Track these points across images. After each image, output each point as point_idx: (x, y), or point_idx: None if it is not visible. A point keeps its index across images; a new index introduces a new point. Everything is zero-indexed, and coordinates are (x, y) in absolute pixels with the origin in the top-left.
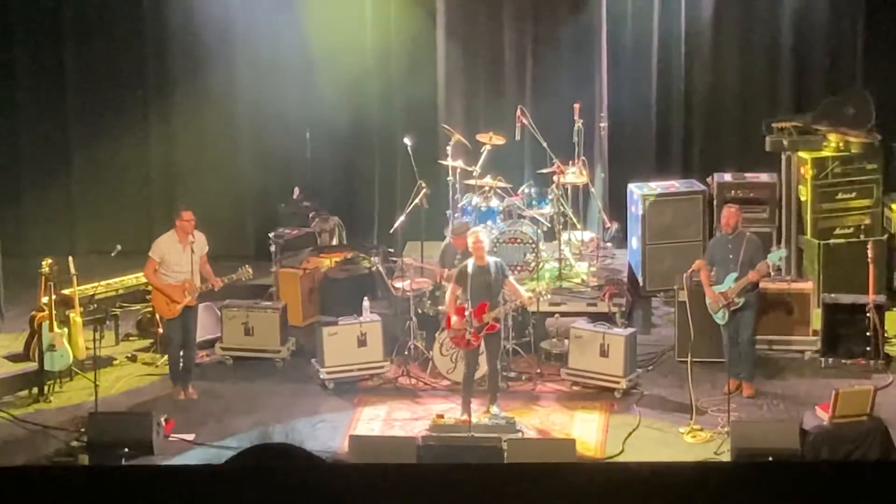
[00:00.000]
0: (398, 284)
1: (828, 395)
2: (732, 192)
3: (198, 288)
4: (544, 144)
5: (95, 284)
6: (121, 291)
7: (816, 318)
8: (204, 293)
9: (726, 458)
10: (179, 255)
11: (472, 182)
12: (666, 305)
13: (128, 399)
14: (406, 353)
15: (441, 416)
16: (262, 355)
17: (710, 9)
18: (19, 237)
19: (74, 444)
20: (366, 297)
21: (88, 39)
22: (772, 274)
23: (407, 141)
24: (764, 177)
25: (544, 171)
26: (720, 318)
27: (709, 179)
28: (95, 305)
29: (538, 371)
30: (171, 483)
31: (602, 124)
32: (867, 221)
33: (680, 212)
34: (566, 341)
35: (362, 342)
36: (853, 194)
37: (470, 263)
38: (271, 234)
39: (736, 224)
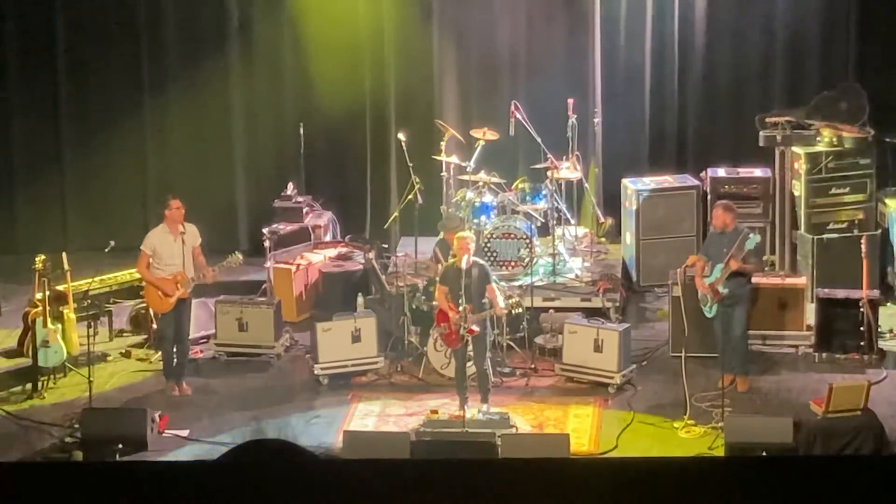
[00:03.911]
0: (392, 280)
1: (822, 389)
2: (726, 186)
3: (190, 280)
4: (538, 140)
5: (89, 280)
6: (114, 287)
7: (810, 313)
8: (198, 286)
9: (720, 452)
10: (171, 246)
11: (466, 177)
12: (660, 301)
13: (122, 395)
14: (400, 348)
15: (435, 412)
16: (256, 351)
17: (703, 4)
18: (12, 233)
19: (68, 439)
20: (360, 293)
21: (81, 33)
22: (765, 269)
23: (401, 136)
24: (757, 172)
25: (538, 166)
26: (708, 311)
27: (702, 174)
28: (89, 301)
29: (532, 366)
30: (164, 479)
31: (596, 119)
32: (861, 216)
33: (673, 207)
34: (560, 336)
35: (356, 338)
36: (847, 189)
37: (455, 262)
38: (265, 230)
39: (724, 224)
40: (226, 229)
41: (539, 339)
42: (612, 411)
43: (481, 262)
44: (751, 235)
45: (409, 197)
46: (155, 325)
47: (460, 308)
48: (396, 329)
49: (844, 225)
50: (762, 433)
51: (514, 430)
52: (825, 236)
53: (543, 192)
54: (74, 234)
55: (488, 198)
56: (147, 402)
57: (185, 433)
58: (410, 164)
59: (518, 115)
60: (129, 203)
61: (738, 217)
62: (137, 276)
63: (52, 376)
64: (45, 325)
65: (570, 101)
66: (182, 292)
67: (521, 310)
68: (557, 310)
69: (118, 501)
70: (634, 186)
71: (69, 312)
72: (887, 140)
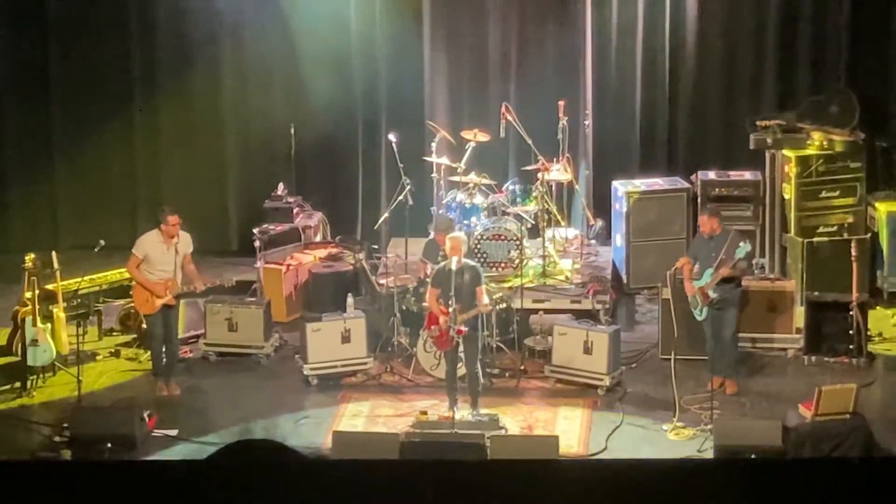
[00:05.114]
0: (382, 280)
1: (811, 392)
2: (716, 189)
3: (179, 288)
4: (529, 141)
5: (79, 279)
6: (104, 287)
7: (800, 316)
8: (185, 294)
9: (709, 455)
10: (163, 254)
11: (456, 179)
12: (650, 303)
13: (111, 394)
14: (390, 349)
15: (424, 413)
16: (246, 351)
17: (694, 6)
18: (2, 232)
19: (57, 438)
20: (350, 294)
21: (72, 34)
22: (755, 272)
23: (392, 137)
24: (748, 175)
25: (529, 168)
26: (698, 314)
27: (693, 177)
28: (79, 300)
29: (522, 368)
30: (153, 478)
31: (587, 121)
32: (850, 220)
33: (664, 209)
34: (550, 338)
35: (346, 338)
36: (837, 193)
37: (447, 264)
38: (255, 230)
39: (712, 229)
40: (216, 229)
41: (528, 341)
42: (602, 413)
43: (472, 263)
44: (741, 244)
45: (400, 198)
46: (144, 325)
47: (450, 310)
48: (386, 330)
49: (834, 228)
50: (751, 436)
51: (503, 432)
52: (815, 240)
53: (534, 194)
54: (64, 234)
55: (479, 199)
56: (136, 402)
57: (173, 433)
58: (401, 165)
59: (509, 117)
60: (120, 203)
61: (724, 220)
62: (127, 275)
63: (41, 375)
64: (34, 323)
65: (561, 102)
66: (168, 299)
67: (504, 305)
68: (547, 311)
69: (107, 500)
70: (625, 188)
71: (59, 311)
72: (877, 144)
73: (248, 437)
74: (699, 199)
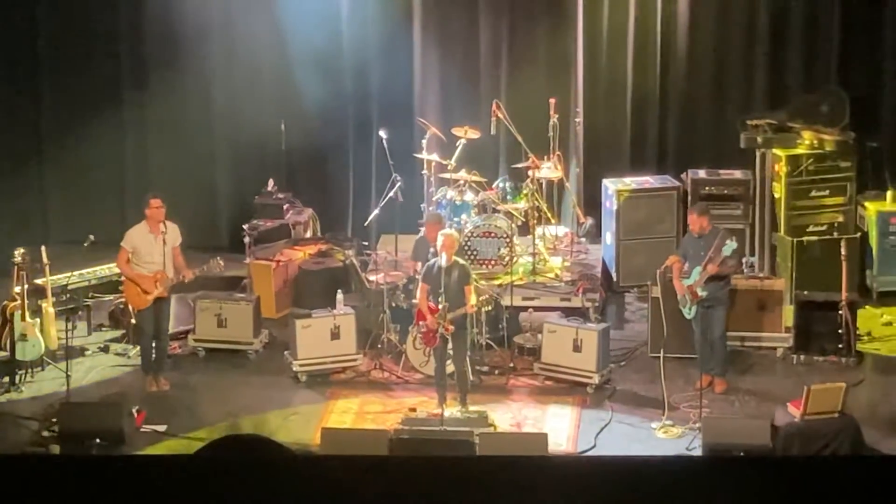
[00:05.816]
0: (372, 277)
1: (799, 391)
2: (706, 188)
3: (170, 279)
4: (519, 139)
5: (68, 274)
6: (93, 282)
7: (789, 315)
8: (175, 285)
9: (698, 453)
10: (151, 245)
11: (447, 176)
12: (639, 301)
13: (99, 389)
14: (379, 346)
15: (413, 410)
16: (235, 347)
17: (686, 5)
18: None
19: (46, 433)
20: (339, 290)
21: (62, 28)
22: (744, 270)
23: (382, 134)
24: (738, 173)
25: (519, 165)
26: (687, 312)
27: (683, 175)
28: (68, 295)
29: (511, 365)
30: (141, 473)
31: (577, 119)
32: (840, 219)
33: (654, 208)
34: (539, 336)
35: (335, 335)
36: (827, 192)
37: (437, 261)
38: (245, 226)
39: (702, 227)
40: (206, 225)
41: (518, 339)
42: (591, 411)
43: (462, 262)
44: (728, 241)
45: (390, 195)
46: (134, 320)
47: (439, 306)
48: (376, 326)
49: (824, 227)
50: (740, 434)
51: (492, 429)
52: (805, 239)
53: (524, 192)
54: (54, 228)
55: (469, 196)
56: (125, 397)
57: (162, 428)
58: (391, 162)
59: (500, 114)
60: (109, 198)
61: (713, 219)
62: (117, 270)
63: (29, 370)
64: (23, 318)
65: (552, 100)
66: (160, 291)
67: (489, 308)
68: (537, 309)
69: (95, 496)
70: (615, 186)
71: (48, 306)
72: (867, 143)
73: (237, 433)
74: (689, 198)
